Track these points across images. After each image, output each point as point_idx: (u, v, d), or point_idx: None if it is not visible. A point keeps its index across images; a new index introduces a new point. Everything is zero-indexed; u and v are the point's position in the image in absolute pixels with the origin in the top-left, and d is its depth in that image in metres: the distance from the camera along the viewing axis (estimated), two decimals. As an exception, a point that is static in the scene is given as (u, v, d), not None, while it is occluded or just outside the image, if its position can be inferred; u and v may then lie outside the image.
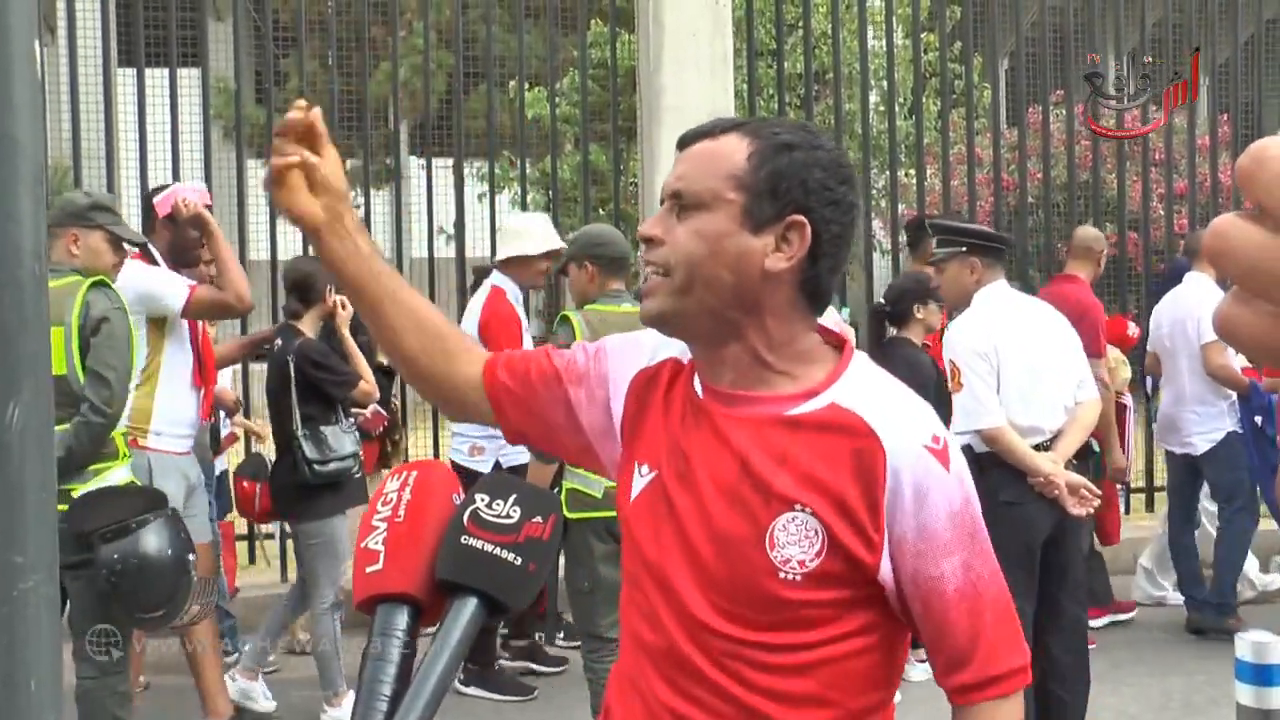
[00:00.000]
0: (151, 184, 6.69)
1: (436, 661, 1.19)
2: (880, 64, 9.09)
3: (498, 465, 4.91)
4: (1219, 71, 8.37)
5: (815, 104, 8.65)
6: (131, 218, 5.27)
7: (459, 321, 5.08)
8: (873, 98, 9.16)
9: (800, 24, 8.32)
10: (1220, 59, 8.23)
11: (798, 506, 1.38)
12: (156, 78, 6.86)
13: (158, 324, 4.40)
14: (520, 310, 5.13)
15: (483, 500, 1.23)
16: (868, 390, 1.44)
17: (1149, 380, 6.51)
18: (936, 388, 4.59)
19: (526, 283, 5.20)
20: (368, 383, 4.90)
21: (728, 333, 1.44)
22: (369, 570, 1.26)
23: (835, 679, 1.41)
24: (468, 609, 1.20)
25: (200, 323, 4.65)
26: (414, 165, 11.35)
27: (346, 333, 4.88)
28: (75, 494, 3.70)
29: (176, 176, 6.66)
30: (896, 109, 7.92)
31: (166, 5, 6.60)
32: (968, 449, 4.15)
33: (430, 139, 7.32)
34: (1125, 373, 6.14)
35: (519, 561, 1.20)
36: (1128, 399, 6.19)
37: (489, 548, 1.20)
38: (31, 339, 1.32)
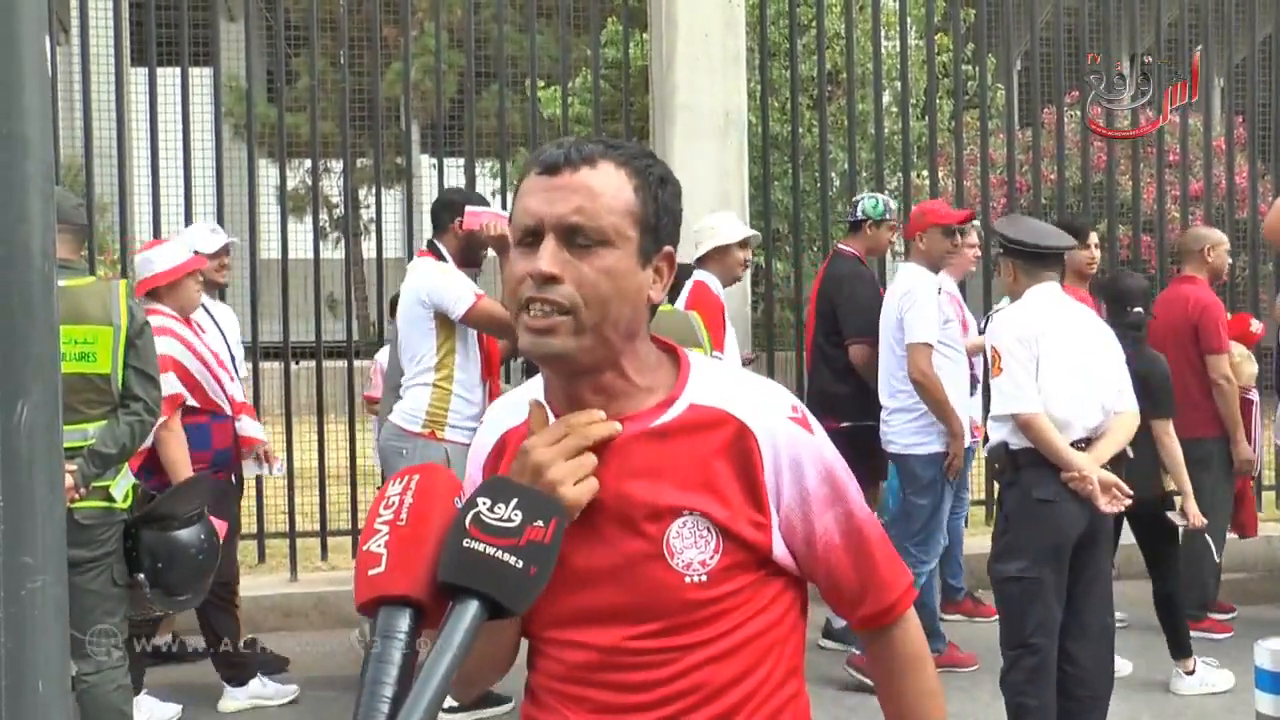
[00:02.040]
0: (163, 183, 6.73)
1: (438, 664, 1.18)
2: (894, 65, 9.06)
3: None
4: (1235, 72, 8.32)
5: (828, 104, 8.63)
6: (142, 216, 5.31)
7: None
8: (886, 98, 9.14)
9: (814, 24, 8.30)
10: (1236, 59, 8.18)
11: (685, 512, 1.42)
12: (168, 77, 6.88)
13: (447, 320, 4.58)
14: (724, 301, 5.39)
15: (485, 504, 1.22)
16: (717, 384, 1.49)
17: None
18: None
19: (726, 274, 5.48)
20: None
21: (609, 363, 1.45)
22: (371, 573, 1.26)
23: (754, 657, 1.47)
24: (469, 612, 1.19)
25: None
26: (425, 164, 11.38)
27: None
28: (112, 489, 3.87)
29: (188, 176, 6.69)
30: (910, 110, 7.89)
31: (179, 5, 6.61)
32: (1002, 446, 4.11)
33: (442, 138, 7.32)
34: (1250, 368, 6.10)
35: (520, 565, 1.19)
36: (1254, 395, 6.14)
37: (491, 551, 1.19)
38: (41, 339, 1.31)
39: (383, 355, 6.31)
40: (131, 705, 3.90)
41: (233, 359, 5.26)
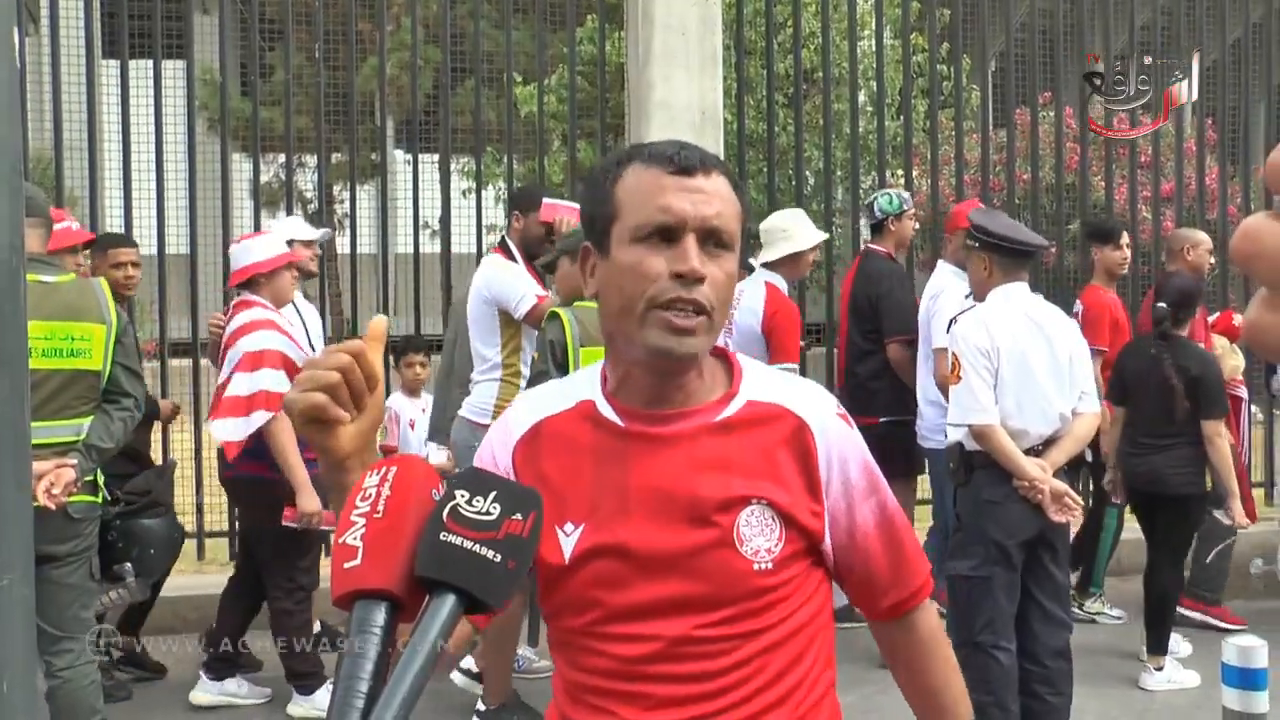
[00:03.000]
0: (135, 176, 6.67)
1: (413, 659, 1.17)
2: (869, 64, 9.09)
3: None
4: (1206, 74, 8.38)
5: (804, 103, 8.65)
6: (113, 211, 5.26)
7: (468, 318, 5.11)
8: (861, 98, 9.16)
9: (790, 23, 8.31)
10: (1207, 61, 8.24)
11: (754, 500, 1.47)
12: (141, 69, 6.81)
13: (511, 316, 4.69)
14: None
15: (463, 496, 1.20)
16: (769, 383, 1.57)
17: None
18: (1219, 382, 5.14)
19: (795, 277, 5.62)
20: None
21: (702, 362, 1.53)
22: (347, 566, 1.24)
23: (802, 645, 1.52)
24: (446, 606, 1.18)
25: None
26: (400, 160, 11.32)
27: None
28: (98, 482, 3.90)
29: (159, 169, 6.62)
30: (885, 109, 7.91)
31: (152, -4, 6.56)
32: (957, 446, 4.17)
33: (417, 134, 7.29)
34: (1235, 360, 6.18)
35: (498, 559, 1.18)
36: (1242, 390, 6.22)
37: (468, 544, 1.18)
38: (9, 334, 1.28)
39: (395, 401, 6.27)
40: (102, 700, 3.87)
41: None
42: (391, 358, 6.49)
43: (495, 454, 1.60)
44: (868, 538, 1.57)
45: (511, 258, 4.89)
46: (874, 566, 1.59)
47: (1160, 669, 5.25)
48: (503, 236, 5.02)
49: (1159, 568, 5.31)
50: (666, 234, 1.45)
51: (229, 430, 4.65)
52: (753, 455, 1.50)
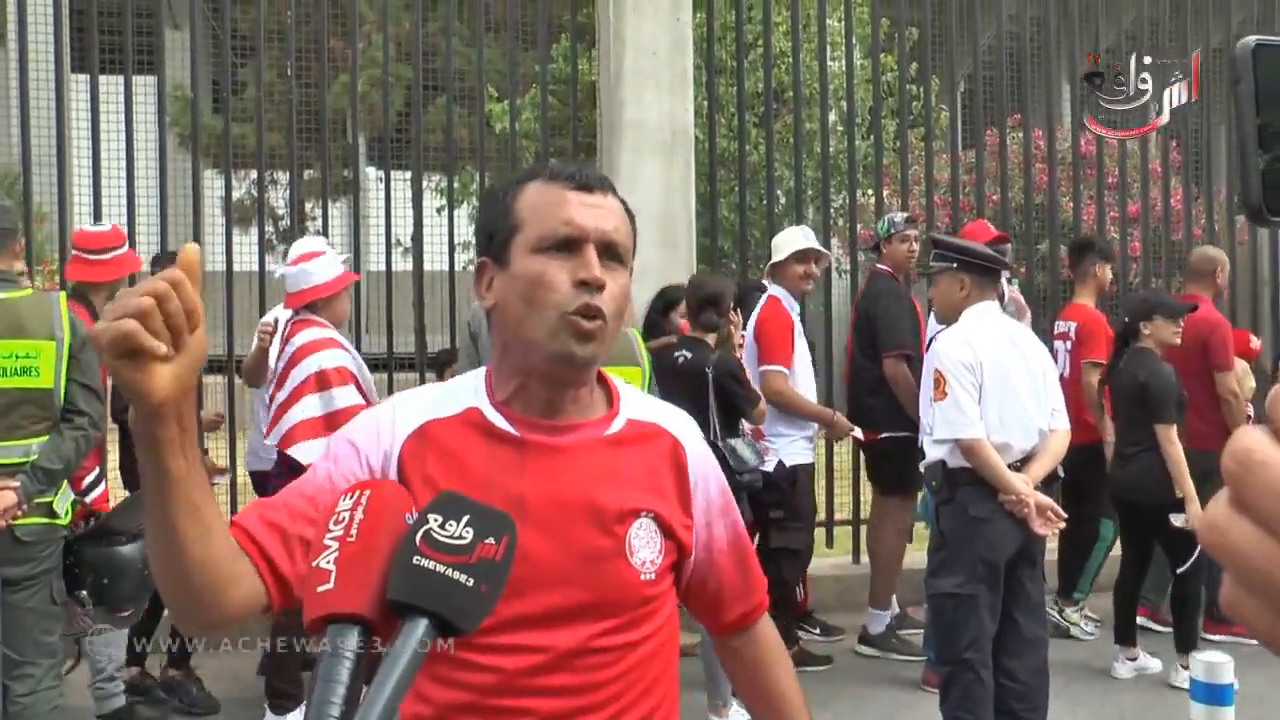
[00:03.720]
0: (104, 192, 6.62)
1: (385, 683, 1.17)
2: (839, 84, 9.16)
3: (780, 465, 5.42)
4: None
5: (774, 122, 8.71)
6: (82, 225, 5.21)
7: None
8: (831, 117, 9.23)
9: (760, 42, 8.37)
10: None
11: (643, 513, 1.54)
12: (111, 84, 6.77)
13: None
14: (795, 316, 5.75)
15: (435, 520, 1.20)
16: (644, 404, 1.66)
17: None
18: (1178, 393, 5.27)
19: (793, 289, 5.80)
20: (765, 406, 5.13)
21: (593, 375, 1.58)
22: (320, 590, 1.24)
23: (667, 654, 1.60)
24: (418, 630, 1.18)
25: None
26: (372, 177, 11.30)
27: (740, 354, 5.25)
28: (55, 505, 3.81)
29: (130, 185, 6.58)
30: (855, 129, 7.97)
31: (122, 11, 6.52)
32: (939, 464, 4.17)
33: (389, 151, 7.28)
34: (1251, 382, 6.34)
35: (471, 583, 1.18)
36: (1250, 409, 6.30)
37: (441, 569, 1.18)
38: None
39: None
40: None
41: None
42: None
43: (380, 439, 1.54)
44: (722, 553, 1.67)
45: None
46: (726, 580, 1.68)
47: (1187, 668, 5.38)
48: None
49: (1179, 580, 5.49)
50: (568, 245, 1.50)
51: (314, 452, 4.58)
52: (639, 470, 1.57)
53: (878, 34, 8.02)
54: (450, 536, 1.20)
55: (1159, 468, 5.29)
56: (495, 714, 1.48)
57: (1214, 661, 2.75)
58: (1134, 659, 5.56)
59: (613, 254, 1.52)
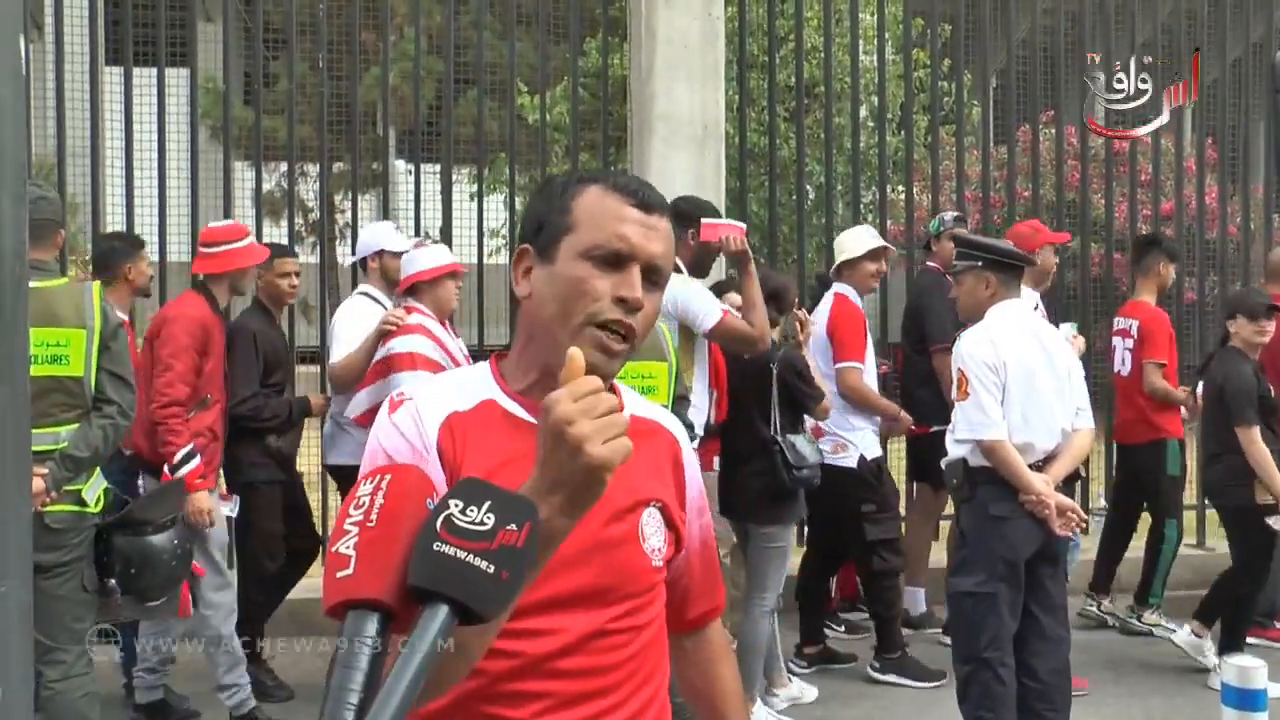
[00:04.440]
0: (137, 184, 6.67)
1: (405, 670, 1.16)
2: (871, 79, 9.10)
3: (862, 459, 5.45)
4: (1206, 92, 8.40)
5: (805, 117, 8.66)
6: (115, 218, 5.26)
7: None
8: (862, 112, 9.18)
9: (792, 37, 8.33)
10: (1208, 80, 8.26)
11: (652, 503, 1.61)
12: (144, 77, 6.82)
13: (688, 332, 4.67)
14: (863, 312, 5.80)
15: (456, 506, 1.19)
16: (642, 403, 1.73)
17: None
18: (1257, 394, 5.29)
19: (861, 286, 5.80)
20: (829, 403, 5.13)
21: None
22: (339, 575, 1.23)
23: (664, 640, 1.65)
24: (438, 617, 1.17)
25: None
26: (402, 170, 11.33)
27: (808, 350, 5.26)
28: (84, 493, 3.81)
29: (162, 177, 6.63)
30: (886, 124, 7.92)
31: (155, 4, 6.56)
32: (960, 462, 4.14)
33: (419, 144, 7.29)
34: None
35: (492, 570, 1.17)
36: None
37: (461, 555, 1.17)
38: (10, 340, 1.28)
39: None
40: (97, 713, 3.84)
41: None
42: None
43: (422, 430, 1.54)
44: (695, 553, 1.75)
45: (678, 270, 4.81)
46: (694, 578, 1.76)
47: (1215, 665, 5.40)
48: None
49: (1229, 575, 5.50)
50: (616, 260, 1.51)
51: (359, 403, 4.91)
52: (647, 462, 1.61)
53: (910, 29, 7.96)
54: (472, 522, 1.18)
55: (1240, 469, 5.26)
56: (514, 698, 1.48)
57: (1247, 666, 2.71)
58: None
59: (653, 277, 1.54)
